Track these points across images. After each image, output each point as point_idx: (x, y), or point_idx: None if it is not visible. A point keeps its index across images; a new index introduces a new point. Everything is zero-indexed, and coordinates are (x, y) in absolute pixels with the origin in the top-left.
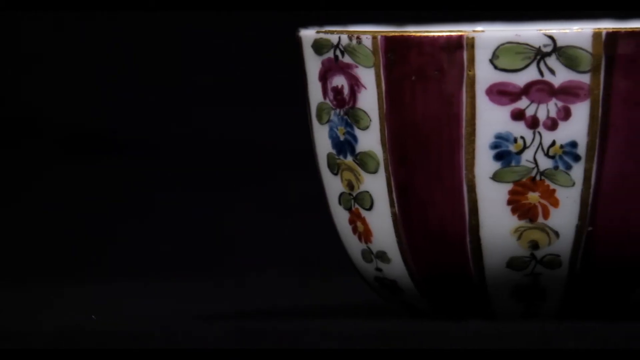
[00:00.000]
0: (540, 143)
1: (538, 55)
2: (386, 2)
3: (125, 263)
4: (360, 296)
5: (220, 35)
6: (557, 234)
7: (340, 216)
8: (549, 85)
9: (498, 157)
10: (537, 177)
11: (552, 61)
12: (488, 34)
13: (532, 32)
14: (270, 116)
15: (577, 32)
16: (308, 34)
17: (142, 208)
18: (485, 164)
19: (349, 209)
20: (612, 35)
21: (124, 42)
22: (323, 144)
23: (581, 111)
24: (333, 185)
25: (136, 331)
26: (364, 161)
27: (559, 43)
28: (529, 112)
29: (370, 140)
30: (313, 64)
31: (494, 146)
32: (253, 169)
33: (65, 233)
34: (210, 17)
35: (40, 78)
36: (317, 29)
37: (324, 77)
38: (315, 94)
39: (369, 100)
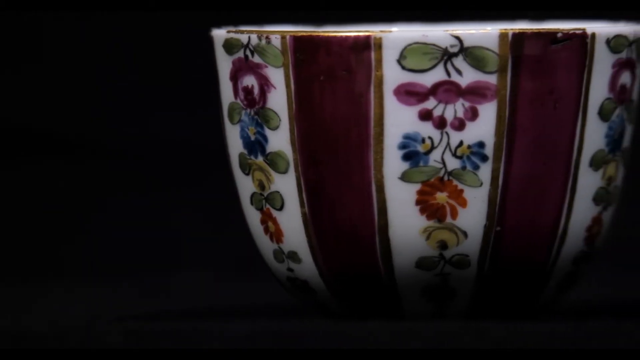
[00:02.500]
0: (448, 143)
1: (445, 56)
2: (307, 2)
3: (56, 264)
4: (279, 297)
5: (172, 35)
6: (465, 234)
7: (252, 216)
8: (456, 85)
9: (406, 157)
10: (445, 177)
11: (459, 62)
12: (395, 35)
13: (439, 32)
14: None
15: (483, 32)
16: (219, 34)
17: (77, 210)
18: (393, 164)
19: (260, 209)
20: (518, 36)
21: (66, 43)
22: (235, 144)
23: (488, 111)
24: (245, 186)
25: (46, 332)
26: (274, 161)
27: (466, 43)
28: (437, 113)
29: (280, 140)
30: (224, 64)
31: (402, 146)
32: (189, 170)
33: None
34: (157, 18)
35: None
36: (229, 28)
37: (234, 77)
38: (227, 93)
39: (278, 100)
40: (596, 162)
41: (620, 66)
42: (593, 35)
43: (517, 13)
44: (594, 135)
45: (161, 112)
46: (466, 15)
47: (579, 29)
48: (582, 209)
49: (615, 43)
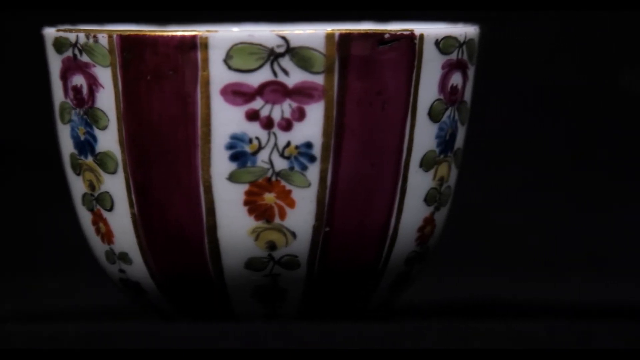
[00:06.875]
0: (276, 144)
1: (271, 56)
2: (153, 3)
3: None
4: (117, 298)
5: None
6: (294, 234)
7: (84, 217)
8: (282, 86)
9: (234, 157)
10: (273, 178)
11: (285, 62)
12: (221, 34)
13: (265, 32)
14: None
15: (309, 33)
16: (49, 33)
17: None
18: (221, 164)
19: (91, 210)
20: (345, 37)
21: None
22: (66, 144)
23: (316, 112)
24: (76, 186)
25: None
26: (104, 161)
27: (292, 44)
28: (264, 113)
29: (108, 140)
30: (54, 63)
31: (230, 147)
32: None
33: None
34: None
35: None
36: (59, 27)
37: (64, 76)
38: (57, 93)
39: (106, 100)
40: (427, 163)
41: (450, 67)
42: (421, 36)
43: (364, 14)
44: (424, 136)
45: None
46: (311, 17)
47: (406, 30)
48: (413, 210)
49: (444, 44)
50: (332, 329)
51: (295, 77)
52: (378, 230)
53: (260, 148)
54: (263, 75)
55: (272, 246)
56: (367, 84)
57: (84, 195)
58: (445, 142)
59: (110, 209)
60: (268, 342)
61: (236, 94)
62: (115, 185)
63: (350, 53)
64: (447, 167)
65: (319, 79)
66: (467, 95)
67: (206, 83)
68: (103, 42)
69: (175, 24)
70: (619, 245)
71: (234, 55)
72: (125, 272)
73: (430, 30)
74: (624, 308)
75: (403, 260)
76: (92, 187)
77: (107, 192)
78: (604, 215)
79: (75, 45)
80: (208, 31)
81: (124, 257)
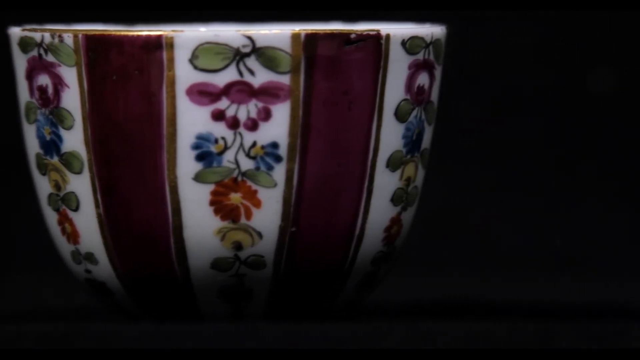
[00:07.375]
0: (241, 144)
1: (237, 56)
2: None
3: None
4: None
5: None
6: (260, 234)
7: (50, 217)
8: (248, 85)
9: (199, 157)
10: (239, 178)
11: (251, 62)
12: (187, 34)
13: (231, 32)
14: None
15: (275, 33)
16: (15, 32)
17: None
18: (187, 164)
19: (57, 210)
20: (311, 37)
21: None
22: (32, 143)
23: (282, 112)
24: (42, 186)
25: None
26: (69, 161)
27: (258, 44)
28: (230, 113)
29: (74, 140)
30: (20, 62)
31: (195, 147)
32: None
33: None
34: None
35: None
36: (25, 26)
37: (30, 76)
38: (23, 92)
39: (72, 100)
40: (393, 163)
41: (417, 67)
42: (388, 36)
43: (332, 14)
44: (390, 136)
45: None
46: (280, 17)
47: (373, 30)
48: (380, 210)
49: (411, 44)
50: (298, 329)
51: (261, 77)
52: (344, 230)
53: (226, 148)
54: (229, 75)
55: (238, 246)
56: (334, 84)
57: (50, 196)
58: (412, 142)
59: (76, 209)
60: (234, 342)
61: (202, 93)
62: (81, 185)
63: (317, 53)
64: (414, 167)
65: (285, 79)
66: (434, 96)
67: (172, 83)
68: (68, 42)
69: (143, 23)
70: (585, 245)
71: (200, 55)
72: (91, 273)
73: (397, 30)
74: (587, 308)
75: (370, 260)
76: (57, 187)
77: (73, 192)
78: (571, 215)
79: (40, 45)
80: (173, 31)
81: (90, 257)
